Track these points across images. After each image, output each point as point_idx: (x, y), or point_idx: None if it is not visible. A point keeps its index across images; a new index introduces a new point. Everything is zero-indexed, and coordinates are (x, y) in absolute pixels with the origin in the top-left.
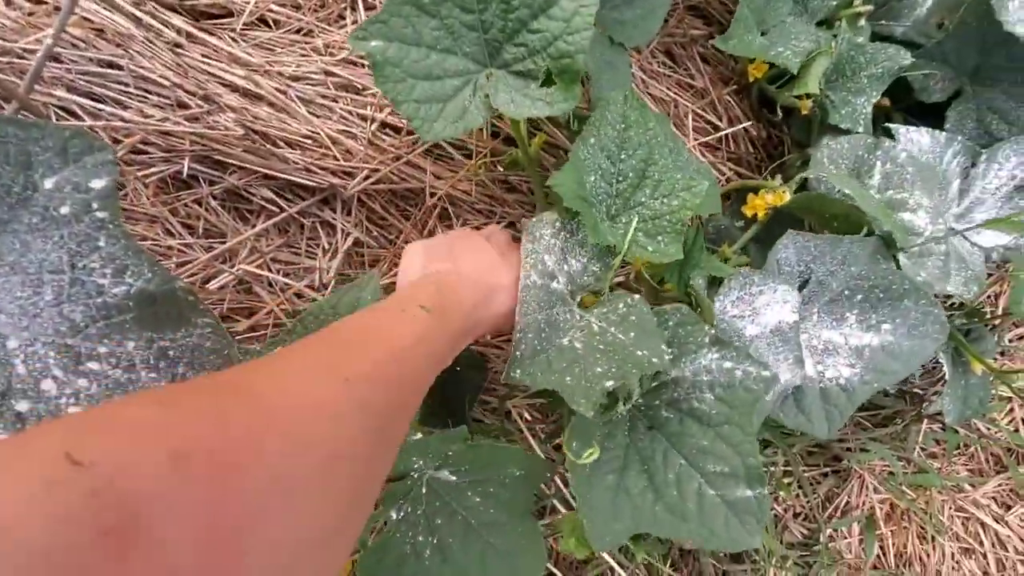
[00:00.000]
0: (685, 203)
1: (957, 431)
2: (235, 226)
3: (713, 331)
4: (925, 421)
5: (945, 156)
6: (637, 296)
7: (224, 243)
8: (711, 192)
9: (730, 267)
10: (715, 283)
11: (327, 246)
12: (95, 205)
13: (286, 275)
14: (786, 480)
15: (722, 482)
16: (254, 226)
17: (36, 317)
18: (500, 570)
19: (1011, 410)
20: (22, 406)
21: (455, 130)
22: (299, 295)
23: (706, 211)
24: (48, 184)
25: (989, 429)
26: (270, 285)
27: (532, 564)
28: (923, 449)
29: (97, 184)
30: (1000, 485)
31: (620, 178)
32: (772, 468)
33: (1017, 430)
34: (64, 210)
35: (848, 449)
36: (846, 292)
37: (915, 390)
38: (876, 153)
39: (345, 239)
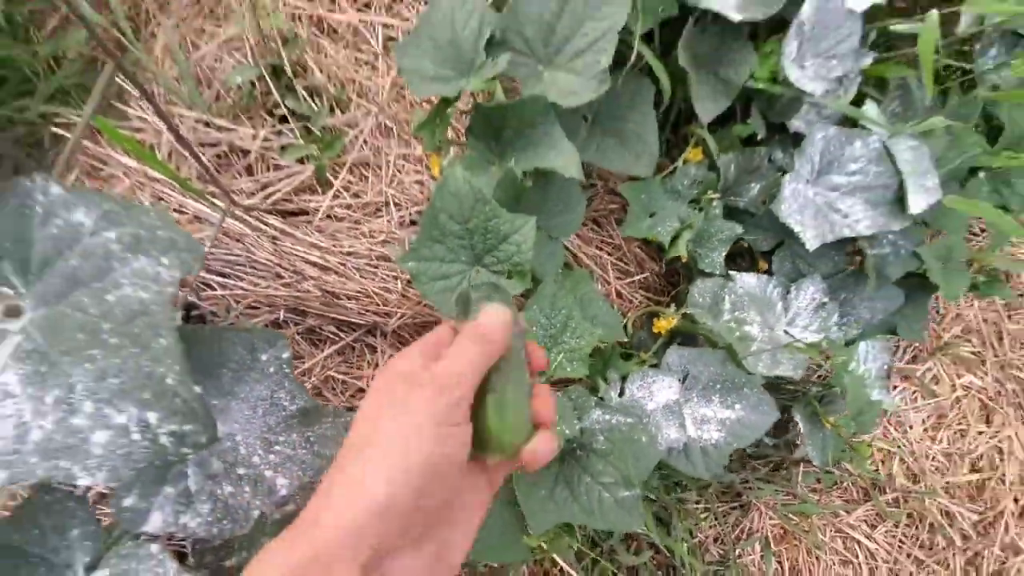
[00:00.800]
0: (590, 342)
1: (832, 471)
2: (311, 351)
3: (599, 398)
4: (802, 464)
5: (767, 289)
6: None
7: (304, 363)
8: (614, 327)
9: (635, 366)
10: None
11: (371, 361)
12: (284, 365)
13: (345, 381)
14: (704, 515)
15: (613, 488)
16: (323, 351)
17: (251, 423)
18: None
19: (873, 452)
20: (241, 471)
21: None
22: (356, 393)
23: (611, 339)
24: (263, 357)
25: (855, 469)
26: (333, 388)
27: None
28: (808, 486)
29: (285, 355)
30: (867, 511)
31: (551, 327)
32: (696, 506)
33: (877, 469)
34: (270, 369)
35: (748, 487)
36: (711, 383)
37: (794, 441)
38: (725, 289)
39: (384, 357)
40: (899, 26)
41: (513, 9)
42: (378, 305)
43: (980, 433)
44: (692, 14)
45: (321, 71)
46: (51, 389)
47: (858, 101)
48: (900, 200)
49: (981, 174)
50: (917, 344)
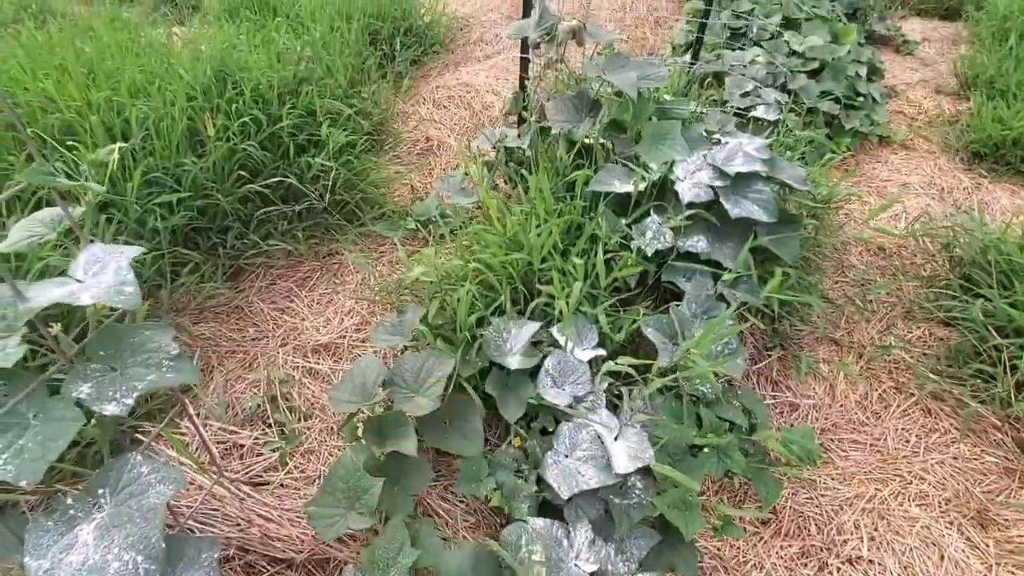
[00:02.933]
0: None
1: None
2: None
3: None
4: None
5: (553, 529)
6: None
7: None
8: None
9: None
10: None
11: None
12: (213, 568)
13: None
14: None
15: None
16: None
17: None
18: None
19: None
20: None
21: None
22: None
23: None
24: (203, 555)
25: None
26: None
27: None
28: None
29: (216, 554)
30: None
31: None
32: None
33: None
34: (206, 564)
35: None
36: None
37: None
38: (524, 531)
39: None
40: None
41: (396, 364)
42: (296, 544)
43: None
44: (495, 365)
45: (300, 398)
46: (102, 542)
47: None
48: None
49: (705, 449)
50: None
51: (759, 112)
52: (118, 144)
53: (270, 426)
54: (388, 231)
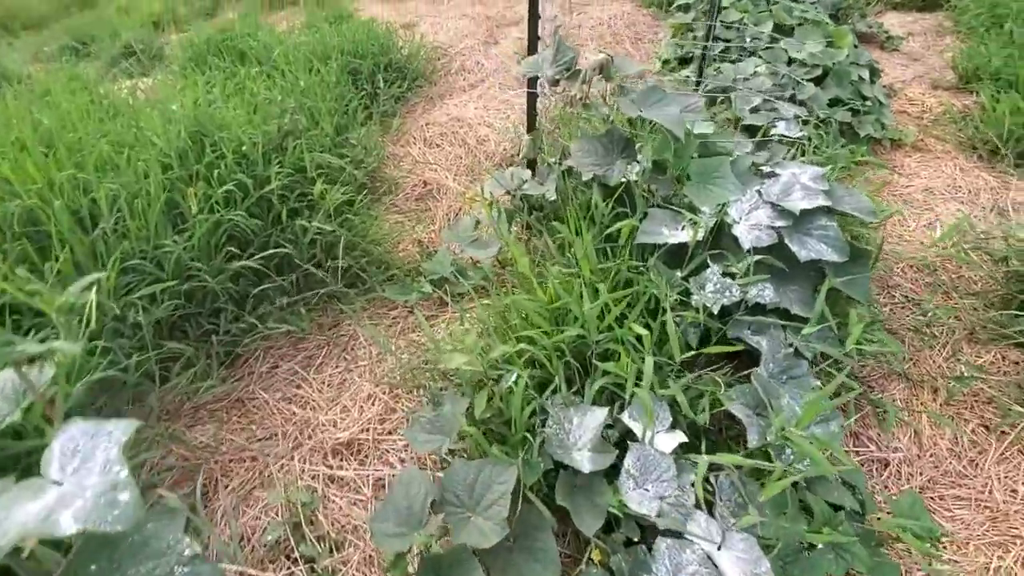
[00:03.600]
0: None
1: None
2: None
3: None
4: None
5: None
6: None
7: None
8: None
9: None
10: None
11: None
12: None
13: None
14: None
15: None
16: None
17: None
18: None
19: None
20: None
21: None
22: None
23: None
24: None
25: None
26: None
27: None
28: None
29: None
30: None
31: None
32: None
33: None
34: None
35: None
36: None
37: None
38: None
39: None
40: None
41: (446, 477)
42: None
43: None
44: (562, 467)
45: (327, 520)
46: None
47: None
48: None
49: (819, 544)
50: None
51: (780, 129)
52: (95, 275)
53: (296, 562)
54: (400, 295)
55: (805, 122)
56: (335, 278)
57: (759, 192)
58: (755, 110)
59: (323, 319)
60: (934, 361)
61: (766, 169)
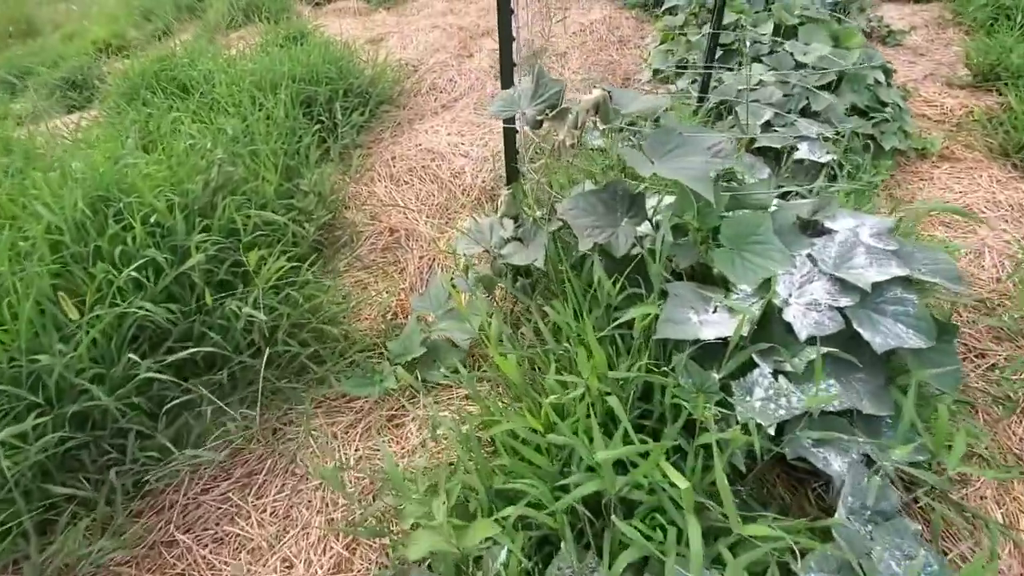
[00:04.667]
0: None
1: None
2: None
3: None
4: None
5: None
6: None
7: None
8: None
9: None
10: None
11: None
12: None
13: None
14: None
15: None
16: None
17: None
18: None
19: None
20: None
21: None
22: None
23: None
24: None
25: None
26: None
27: None
28: None
29: None
30: None
31: None
32: None
33: None
34: None
35: None
36: None
37: None
38: None
39: None
40: None
41: None
42: None
43: None
44: None
45: None
46: None
47: None
48: None
49: None
50: None
51: (803, 152)
52: None
53: None
54: (360, 389)
55: (826, 139)
56: (277, 369)
57: (810, 258)
58: (767, 126)
59: (266, 422)
60: (1015, 434)
61: (809, 217)
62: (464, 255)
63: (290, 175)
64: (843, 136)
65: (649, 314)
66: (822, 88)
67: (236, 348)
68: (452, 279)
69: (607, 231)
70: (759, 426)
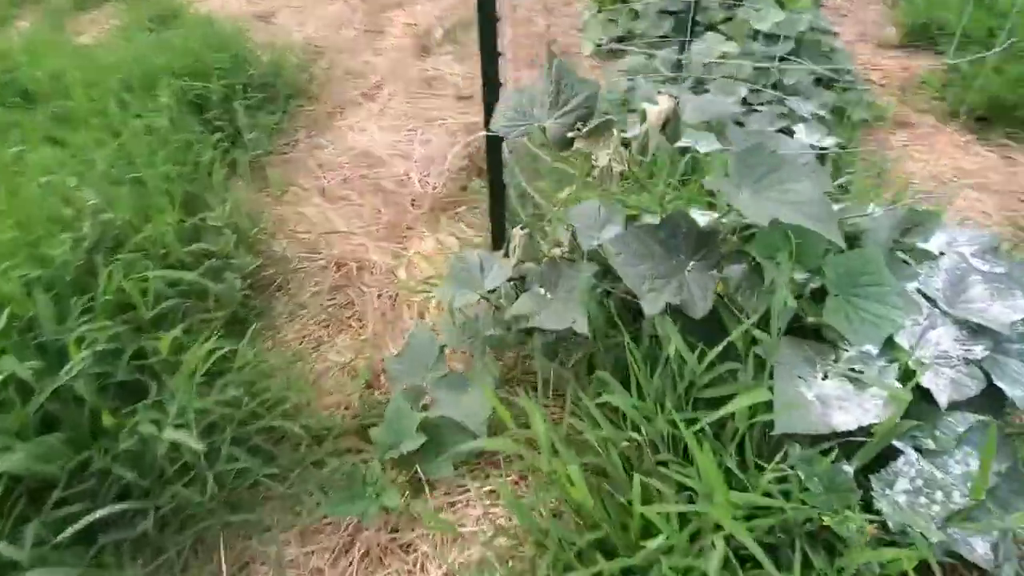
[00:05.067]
0: None
1: None
2: None
3: None
4: None
5: None
6: None
7: None
8: None
9: None
10: None
11: None
12: None
13: None
14: None
15: None
16: None
17: None
18: None
19: None
20: None
21: None
22: None
23: None
24: None
25: None
26: None
27: None
28: None
29: None
30: None
31: None
32: None
33: None
34: None
35: None
36: None
37: None
38: None
39: None
40: None
41: None
42: None
43: None
44: None
45: None
46: None
47: None
48: None
49: None
50: None
51: (801, 136)
52: None
53: None
54: (344, 507)
55: (821, 119)
56: (224, 500)
57: (922, 294)
58: (744, 104)
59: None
60: None
61: (901, 238)
62: (459, 310)
63: (192, 207)
64: (832, 112)
65: (758, 402)
66: (782, 59)
67: (159, 477)
68: (433, 324)
69: (672, 282)
70: (923, 536)
